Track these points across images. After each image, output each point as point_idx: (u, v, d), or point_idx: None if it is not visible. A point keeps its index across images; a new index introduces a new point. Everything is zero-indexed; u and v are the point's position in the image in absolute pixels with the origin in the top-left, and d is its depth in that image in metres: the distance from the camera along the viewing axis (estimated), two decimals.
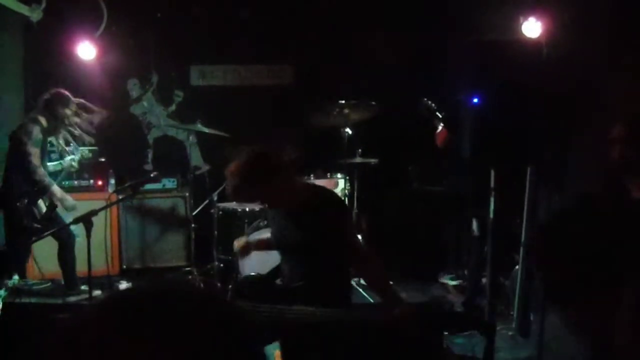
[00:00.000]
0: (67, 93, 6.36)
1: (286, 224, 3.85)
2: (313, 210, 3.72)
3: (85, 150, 6.85)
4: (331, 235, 3.68)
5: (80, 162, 6.66)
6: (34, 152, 6.01)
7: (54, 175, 6.38)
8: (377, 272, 3.81)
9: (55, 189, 6.12)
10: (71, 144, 6.58)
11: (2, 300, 5.76)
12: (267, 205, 4.06)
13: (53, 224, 5.91)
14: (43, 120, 6.16)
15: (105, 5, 7.56)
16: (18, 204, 6.00)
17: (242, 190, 3.72)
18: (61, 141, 6.48)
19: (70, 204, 6.16)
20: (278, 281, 4.01)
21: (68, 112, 6.32)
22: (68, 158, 6.55)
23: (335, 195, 4.66)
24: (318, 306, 3.40)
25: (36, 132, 6.07)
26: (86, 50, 6.89)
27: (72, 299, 6.33)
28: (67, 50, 6.98)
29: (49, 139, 6.38)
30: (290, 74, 8.37)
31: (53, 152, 6.66)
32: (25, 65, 7.66)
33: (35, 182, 6.01)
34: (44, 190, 6.05)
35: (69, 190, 6.51)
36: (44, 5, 7.19)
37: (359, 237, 3.86)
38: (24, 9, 7.10)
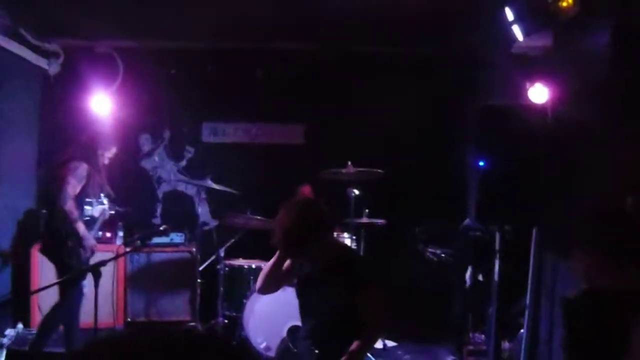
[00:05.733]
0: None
1: (322, 282, 3.79)
2: (346, 269, 3.71)
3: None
4: (358, 297, 3.67)
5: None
6: (73, 183, 5.69)
7: (90, 222, 6.03)
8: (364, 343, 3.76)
9: (81, 225, 5.75)
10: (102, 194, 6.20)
11: (5, 349, 5.75)
12: (307, 262, 3.91)
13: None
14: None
15: (121, 61, 7.73)
16: (69, 243, 5.67)
17: (294, 244, 3.62)
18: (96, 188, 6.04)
19: (91, 244, 5.81)
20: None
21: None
22: (100, 207, 6.13)
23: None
24: None
25: (81, 169, 5.80)
26: (101, 104, 6.99)
27: None
28: (82, 103, 7.09)
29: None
30: (300, 134, 8.47)
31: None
32: (41, 117, 7.79)
33: (64, 213, 5.63)
34: (72, 224, 5.67)
35: None
36: (62, 59, 7.36)
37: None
38: (42, 62, 7.27)
